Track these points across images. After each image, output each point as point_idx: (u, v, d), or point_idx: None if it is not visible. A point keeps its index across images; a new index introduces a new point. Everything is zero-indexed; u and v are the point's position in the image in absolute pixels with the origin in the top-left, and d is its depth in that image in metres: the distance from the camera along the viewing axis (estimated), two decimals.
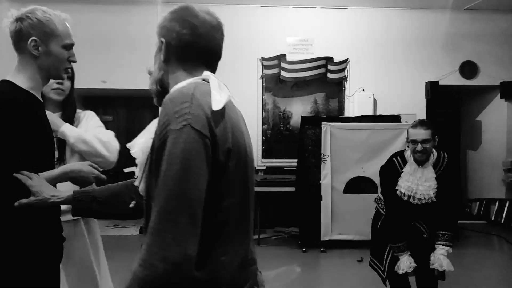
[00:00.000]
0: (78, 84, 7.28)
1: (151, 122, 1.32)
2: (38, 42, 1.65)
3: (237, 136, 1.14)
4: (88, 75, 6.41)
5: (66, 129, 2.17)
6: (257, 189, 5.65)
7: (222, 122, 1.09)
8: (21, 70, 1.68)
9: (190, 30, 1.19)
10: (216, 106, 1.08)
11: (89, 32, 6.42)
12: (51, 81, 2.05)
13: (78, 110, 2.41)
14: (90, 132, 2.25)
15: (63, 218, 1.80)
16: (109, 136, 2.30)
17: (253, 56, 6.59)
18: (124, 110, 7.45)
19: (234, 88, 6.11)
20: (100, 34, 6.46)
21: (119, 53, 6.49)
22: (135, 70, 6.49)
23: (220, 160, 1.07)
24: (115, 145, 2.28)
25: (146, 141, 1.24)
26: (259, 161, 6.63)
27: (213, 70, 1.24)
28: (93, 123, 2.36)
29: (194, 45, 1.20)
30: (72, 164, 1.81)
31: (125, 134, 7.41)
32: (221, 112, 1.10)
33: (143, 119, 7.41)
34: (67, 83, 2.34)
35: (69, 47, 1.73)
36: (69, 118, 2.28)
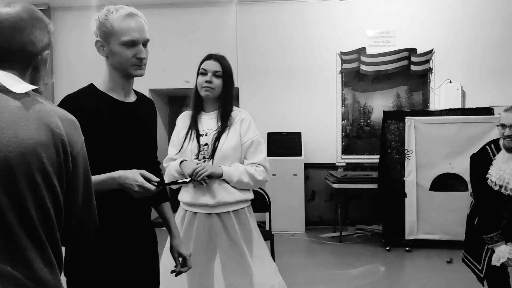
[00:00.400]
0: (163, 84, 7.68)
1: None
2: (102, 42, 1.66)
3: None
4: (173, 75, 6.73)
5: (226, 175, 2.27)
6: (337, 186, 5.60)
7: None
8: (104, 72, 1.73)
9: None
10: None
11: (172, 34, 6.73)
12: (199, 78, 2.33)
13: (235, 108, 2.43)
14: (246, 168, 2.32)
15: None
16: (261, 171, 2.35)
17: (332, 51, 6.49)
18: None
19: (312, 83, 6.14)
20: (182, 35, 6.73)
21: (200, 53, 6.69)
22: None
23: None
24: (267, 168, 2.37)
25: None
26: (338, 157, 6.53)
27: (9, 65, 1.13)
28: (250, 135, 2.37)
29: None
30: (124, 171, 1.61)
31: None
32: None
33: None
34: (216, 81, 2.37)
35: (130, 43, 1.64)
36: (225, 116, 2.37)
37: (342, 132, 6.55)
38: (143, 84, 6.65)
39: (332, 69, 6.52)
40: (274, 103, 6.60)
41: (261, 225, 6.29)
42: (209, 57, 2.45)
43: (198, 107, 2.45)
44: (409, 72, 6.31)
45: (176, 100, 7.68)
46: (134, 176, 1.59)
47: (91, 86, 1.72)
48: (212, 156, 2.30)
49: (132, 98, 1.80)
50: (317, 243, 5.60)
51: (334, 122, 6.54)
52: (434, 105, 6.33)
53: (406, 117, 5.16)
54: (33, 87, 1.14)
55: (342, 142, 6.55)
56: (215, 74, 2.36)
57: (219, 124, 2.36)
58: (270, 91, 6.61)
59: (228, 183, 2.29)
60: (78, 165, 1.16)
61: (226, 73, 2.38)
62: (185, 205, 2.40)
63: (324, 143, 6.51)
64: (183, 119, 2.51)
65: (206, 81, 2.36)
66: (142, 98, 1.87)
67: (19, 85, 1.10)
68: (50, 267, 1.08)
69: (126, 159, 1.68)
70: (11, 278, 1.00)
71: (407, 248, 5.12)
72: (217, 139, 2.32)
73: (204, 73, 2.39)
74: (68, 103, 1.60)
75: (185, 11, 6.74)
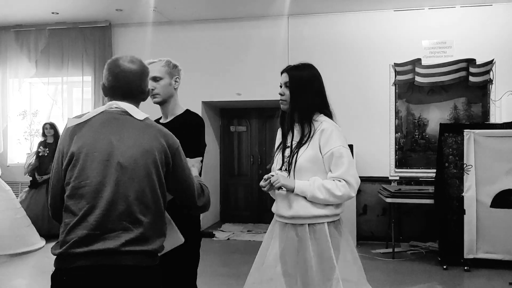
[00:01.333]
0: (215, 97, 7.85)
1: None
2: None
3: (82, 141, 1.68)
4: (225, 88, 6.85)
5: (298, 189, 2.20)
6: (390, 200, 5.43)
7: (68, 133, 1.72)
8: None
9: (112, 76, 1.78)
10: (71, 123, 1.73)
11: (224, 47, 6.86)
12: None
13: (318, 118, 2.33)
14: (323, 183, 2.19)
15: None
16: (342, 185, 2.19)
17: (385, 62, 6.37)
18: (256, 120, 7.76)
19: (365, 95, 6.06)
20: (234, 49, 6.84)
21: (251, 66, 6.79)
22: (266, 82, 6.74)
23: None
24: (349, 182, 2.21)
25: None
26: (392, 171, 6.35)
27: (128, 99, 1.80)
28: (330, 146, 2.24)
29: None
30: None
31: (257, 143, 7.72)
32: (69, 127, 1.73)
33: (273, 129, 7.63)
34: (287, 92, 2.34)
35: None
36: (301, 126, 2.29)
37: (395, 145, 6.38)
38: (197, 97, 6.82)
39: (385, 80, 6.39)
40: None
41: None
42: (284, 70, 2.38)
43: (282, 120, 2.40)
44: (468, 84, 6.06)
45: (228, 113, 7.81)
46: (192, 162, 2.17)
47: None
48: (288, 168, 2.25)
49: (169, 118, 2.52)
50: (368, 259, 5.45)
51: (387, 135, 6.38)
52: (494, 118, 6.04)
53: (465, 130, 4.95)
54: (148, 115, 1.77)
55: (395, 155, 6.37)
56: (285, 85, 2.32)
57: (300, 135, 2.30)
58: None
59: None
60: (176, 157, 1.75)
61: (293, 83, 2.29)
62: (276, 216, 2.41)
63: (377, 156, 6.36)
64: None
65: (279, 94, 2.34)
66: (179, 117, 2.49)
67: (139, 114, 1.75)
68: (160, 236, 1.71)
69: None
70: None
71: (465, 268, 4.87)
72: (294, 151, 2.27)
73: (280, 86, 2.36)
74: None
75: (237, 24, 6.86)
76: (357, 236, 6.10)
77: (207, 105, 7.08)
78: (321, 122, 2.30)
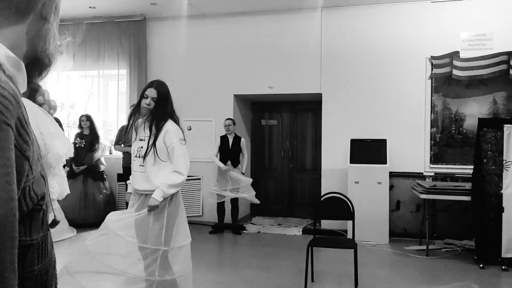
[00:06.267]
0: (247, 90, 7.84)
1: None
2: None
3: None
4: (256, 81, 6.85)
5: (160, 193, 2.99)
6: (425, 196, 5.32)
7: None
8: None
9: None
10: None
11: (256, 40, 6.85)
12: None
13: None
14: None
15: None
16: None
17: (421, 55, 6.21)
18: (287, 114, 7.73)
19: (400, 89, 5.94)
20: (267, 42, 6.82)
21: (284, 59, 6.76)
22: (298, 75, 6.70)
23: None
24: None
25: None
26: (427, 166, 6.20)
27: None
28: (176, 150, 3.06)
29: None
30: None
31: (288, 137, 7.69)
32: None
33: (305, 122, 7.58)
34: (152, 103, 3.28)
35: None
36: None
37: (431, 140, 6.22)
38: (228, 91, 6.85)
39: (421, 74, 6.24)
40: (358, 109, 6.45)
41: (342, 233, 6.19)
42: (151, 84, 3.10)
43: None
44: (508, 77, 5.84)
45: (259, 106, 7.80)
46: None
47: None
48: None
49: None
50: (401, 256, 5.35)
51: (422, 130, 6.23)
52: None
53: (505, 125, 4.78)
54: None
55: (430, 150, 6.22)
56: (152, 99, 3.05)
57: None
58: (354, 97, 6.48)
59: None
60: None
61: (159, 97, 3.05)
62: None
63: (411, 151, 6.23)
64: None
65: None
66: None
67: None
68: None
69: None
70: None
71: (503, 267, 4.72)
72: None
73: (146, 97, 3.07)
74: None
75: (270, 17, 6.83)
76: (390, 233, 6.01)
77: (239, 98, 7.09)
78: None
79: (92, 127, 6.81)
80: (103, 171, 6.92)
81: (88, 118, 6.88)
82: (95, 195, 6.70)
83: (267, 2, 6.44)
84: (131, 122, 3.13)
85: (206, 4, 6.57)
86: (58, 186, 4.17)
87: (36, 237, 0.78)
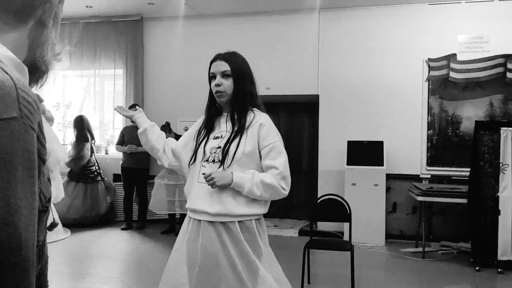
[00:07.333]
0: None
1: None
2: None
3: None
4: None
5: (236, 185, 2.05)
6: (422, 198, 5.32)
7: None
8: None
9: None
10: None
11: (254, 41, 6.83)
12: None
13: (252, 110, 2.23)
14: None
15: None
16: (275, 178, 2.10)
17: (418, 57, 6.21)
18: (284, 115, 7.71)
19: (397, 91, 5.92)
20: (264, 43, 6.81)
21: (281, 60, 6.75)
22: (295, 77, 6.69)
23: None
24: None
25: None
26: (423, 168, 6.20)
27: None
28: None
29: None
30: None
31: (285, 138, 7.66)
32: None
33: (302, 124, 7.57)
34: (226, 82, 2.23)
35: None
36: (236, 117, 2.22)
37: (427, 142, 6.22)
38: None
39: (418, 76, 6.24)
40: (355, 110, 6.44)
41: (338, 234, 6.17)
42: (216, 57, 2.21)
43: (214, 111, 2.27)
44: (505, 80, 5.85)
45: None
46: None
47: None
48: (222, 161, 2.08)
49: None
50: (397, 258, 5.35)
51: (419, 132, 6.23)
52: None
53: (501, 128, 4.78)
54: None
55: (427, 153, 6.22)
56: (223, 74, 2.14)
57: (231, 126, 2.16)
58: (351, 99, 6.47)
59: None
60: None
61: (235, 71, 2.15)
62: (190, 212, 2.18)
63: (408, 153, 6.23)
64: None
65: (217, 84, 2.14)
66: None
67: None
68: None
69: None
70: None
71: (499, 270, 4.72)
72: (229, 143, 2.10)
73: (213, 77, 2.17)
74: None
75: (267, 19, 6.82)
76: (386, 235, 6.00)
77: None
78: (255, 115, 2.19)
79: (79, 130, 6.79)
80: (96, 171, 6.86)
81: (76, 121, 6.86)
82: (91, 195, 6.68)
83: (265, 3, 6.43)
84: (207, 118, 2.26)
85: (203, 4, 6.55)
86: (54, 190, 4.17)
87: (41, 238, 0.79)
